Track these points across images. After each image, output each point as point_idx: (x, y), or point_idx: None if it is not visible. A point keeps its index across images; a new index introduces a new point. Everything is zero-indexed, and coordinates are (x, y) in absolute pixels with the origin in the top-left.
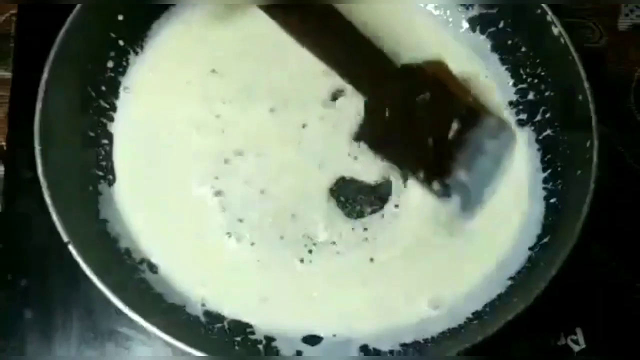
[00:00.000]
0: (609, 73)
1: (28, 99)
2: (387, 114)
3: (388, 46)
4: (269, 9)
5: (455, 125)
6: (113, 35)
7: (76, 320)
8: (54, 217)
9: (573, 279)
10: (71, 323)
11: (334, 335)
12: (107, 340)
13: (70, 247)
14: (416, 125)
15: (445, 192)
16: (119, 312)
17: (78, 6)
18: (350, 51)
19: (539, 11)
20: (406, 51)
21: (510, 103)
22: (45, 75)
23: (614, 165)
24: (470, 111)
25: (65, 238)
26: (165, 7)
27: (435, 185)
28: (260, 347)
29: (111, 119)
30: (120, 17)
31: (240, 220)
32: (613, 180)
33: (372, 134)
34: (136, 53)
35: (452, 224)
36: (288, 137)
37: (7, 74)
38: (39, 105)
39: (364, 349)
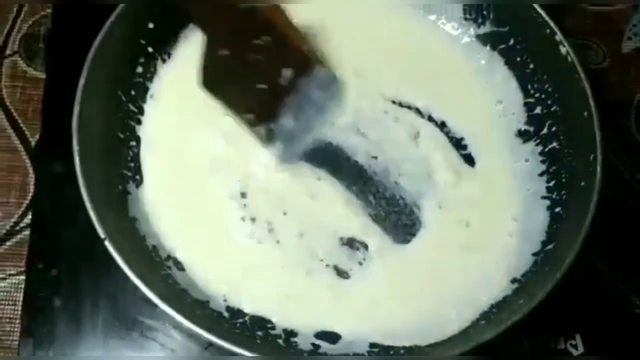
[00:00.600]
0: (610, 94)
1: (60, 98)
2: (223, 52)
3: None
4: None
5: (287, 73)
6: (143, 42)
7: (103, 309)
8: (91, 214)
9: (573, 288)
10: (98, 312)
11: (349, 333)
12: (132, 330)
13: (106, 243)
14: (250, 69)
15: (270, 137)
16: (143, 303)
17: (114, 13)
18: None
19: (547, 31)
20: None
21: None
22: (82, 80)
23: (613, 183)
24: (304, 60)
25: (102, 235)
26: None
27: (261, 130)
28: (280, 341)
29: (139, 122)
30: (151, 25)
31: (264, 223)
32: (612, 197)
33: (211, 76)
34: (163, 61)
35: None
36: None
37: (37, 74)
38: (76, 109)
39: (375, 345)
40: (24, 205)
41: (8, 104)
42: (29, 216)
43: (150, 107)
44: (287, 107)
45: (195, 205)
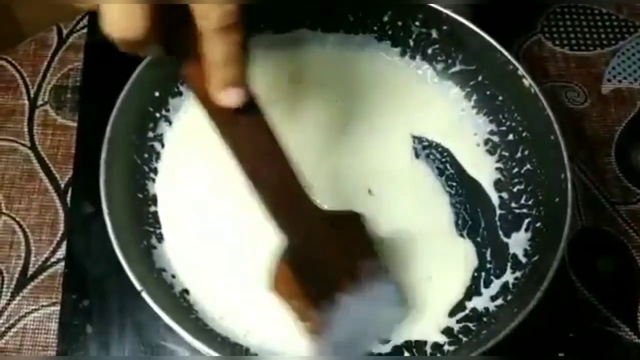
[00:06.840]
0: (592, 132)
1: (89, 145)
2: (311, 255)
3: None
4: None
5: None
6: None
7: (129, 335)
8: (127, 270)
9: (558, 310)
10: (125, 338)
11: None
12: (156, 353)
13: (144, 294)
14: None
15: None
16: (166, 329)
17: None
18: (280, 183)
19: (511, 67)
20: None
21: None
22: (103, 154)
23: (597, 215)
24: (374, 267)
25: (138, 287)
26: None
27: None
28: None
29: (154, 181)
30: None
31: None
32: (596, 229)
33: (296, 263)
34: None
35: None
36: None
37: (65, 121)
38: (102, 178)
39: None
40: (55, 242)
41: (40, 149)
42: (59, 252)
43: (161, 168)
44: (339, 318)
45: (217, 264)
